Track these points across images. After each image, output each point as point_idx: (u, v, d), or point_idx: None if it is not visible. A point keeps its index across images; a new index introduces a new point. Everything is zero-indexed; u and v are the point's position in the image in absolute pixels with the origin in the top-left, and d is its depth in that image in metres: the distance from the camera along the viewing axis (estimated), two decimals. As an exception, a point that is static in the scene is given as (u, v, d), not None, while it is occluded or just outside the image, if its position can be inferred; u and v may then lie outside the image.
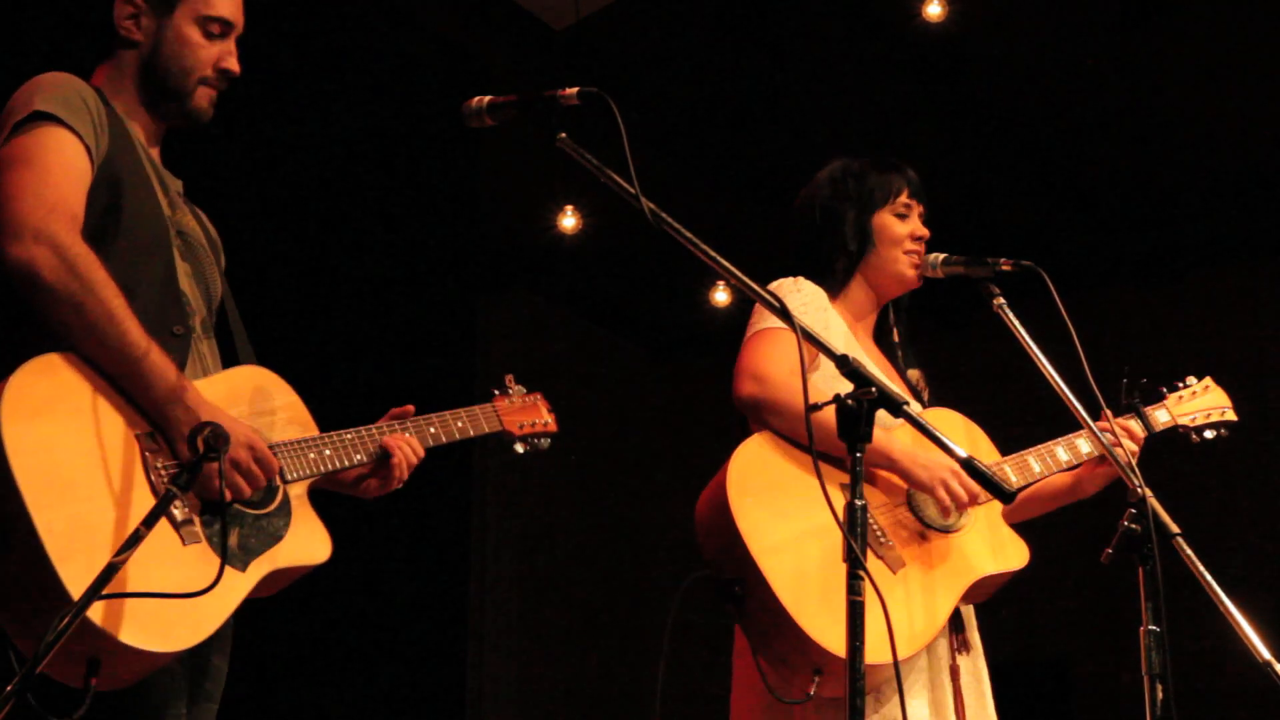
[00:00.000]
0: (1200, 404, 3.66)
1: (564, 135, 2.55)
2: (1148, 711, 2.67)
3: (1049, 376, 3.06)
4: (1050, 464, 3.38)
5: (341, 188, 7.06)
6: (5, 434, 2.30)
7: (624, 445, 10.71)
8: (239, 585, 2.50)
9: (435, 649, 8.27)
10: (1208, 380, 3.72)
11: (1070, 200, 8.72)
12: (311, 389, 2.85)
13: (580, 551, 10.25)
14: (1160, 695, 2.67)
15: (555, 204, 8.21)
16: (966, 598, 3.18)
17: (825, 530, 2.78)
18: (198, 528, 2.47)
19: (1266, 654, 2.80)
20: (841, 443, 2.38)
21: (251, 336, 2.89)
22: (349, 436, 2.78)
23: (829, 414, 2.39)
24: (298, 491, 2.67)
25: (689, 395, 10.53)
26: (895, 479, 3.17)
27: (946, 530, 3.17)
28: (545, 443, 3.25)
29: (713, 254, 2.45)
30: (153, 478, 2.44)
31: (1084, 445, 3.40)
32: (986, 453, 3.35)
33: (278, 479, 2.61)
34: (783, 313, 2.45)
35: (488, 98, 2.65)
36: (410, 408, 2.93)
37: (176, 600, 2.36)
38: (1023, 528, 3.34)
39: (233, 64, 2.84)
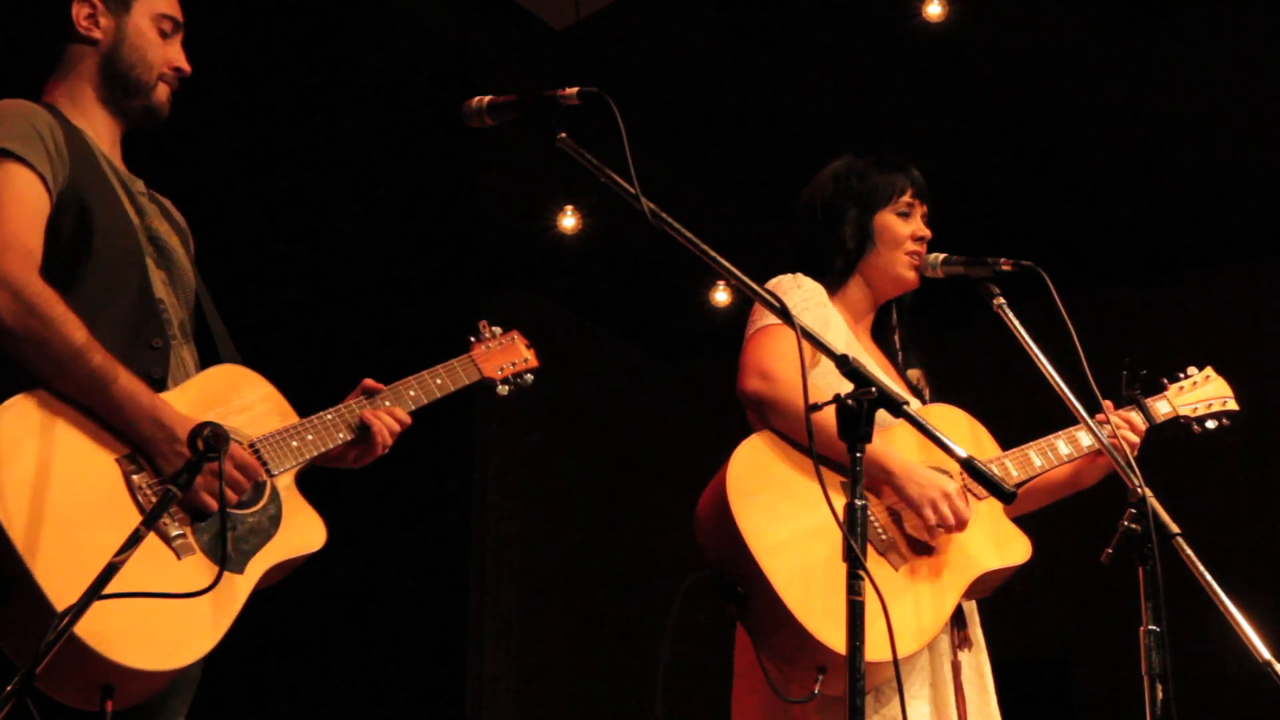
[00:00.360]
0: (1201, 394, 3.66)
1: (564, 135, 2.55)
2: (1148, 711, 2.67)
3: (1049, 376, 3.06)
4: (1051, 458, 3.39)
5: (341, 188, 7.06)
6: None
7: (624, 445, 10.70)
8: (240, 586, 2.51)
9: (435, 649, 8.26)
10: (1209, 370, 3.73)
11: (1070, 200, 8.72)
12: (311, 389, 2.86)
13: (580, 551, 10.24)
14: (1160, 695, 2.68)
15: (555, 204, 8.21)
16: (969, 593, 3.18)
17: (827, 529, 2.77)
18: (190, 540, 2.48)
19: (1266, 654, 2.80)
20: (842, 444, 2.38)
21: (252, 337, 2.90)
22: (329, 417, 2.78)
23: (830, 414, 2.39)
24: (285, 482, 2.68)
25: (689, 395, 10.52)
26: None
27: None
28: (529, 379, 3.23)
29: (713, 254, 2.45)
30: (139, 499, 2.45)
31: (1084, 438, 3.41)
32: (989, 448, 3.35)
33: (264, 474, 2.61)
34: (783, 313, 2.45)
35: (488, 98, 2.65)
36: (369, 381, 2.92)
37: (181, 615, 2.37)
38: (1023, 527, 3.34)
39: (185, 63, 2.86)
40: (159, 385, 2.62)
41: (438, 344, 3.22)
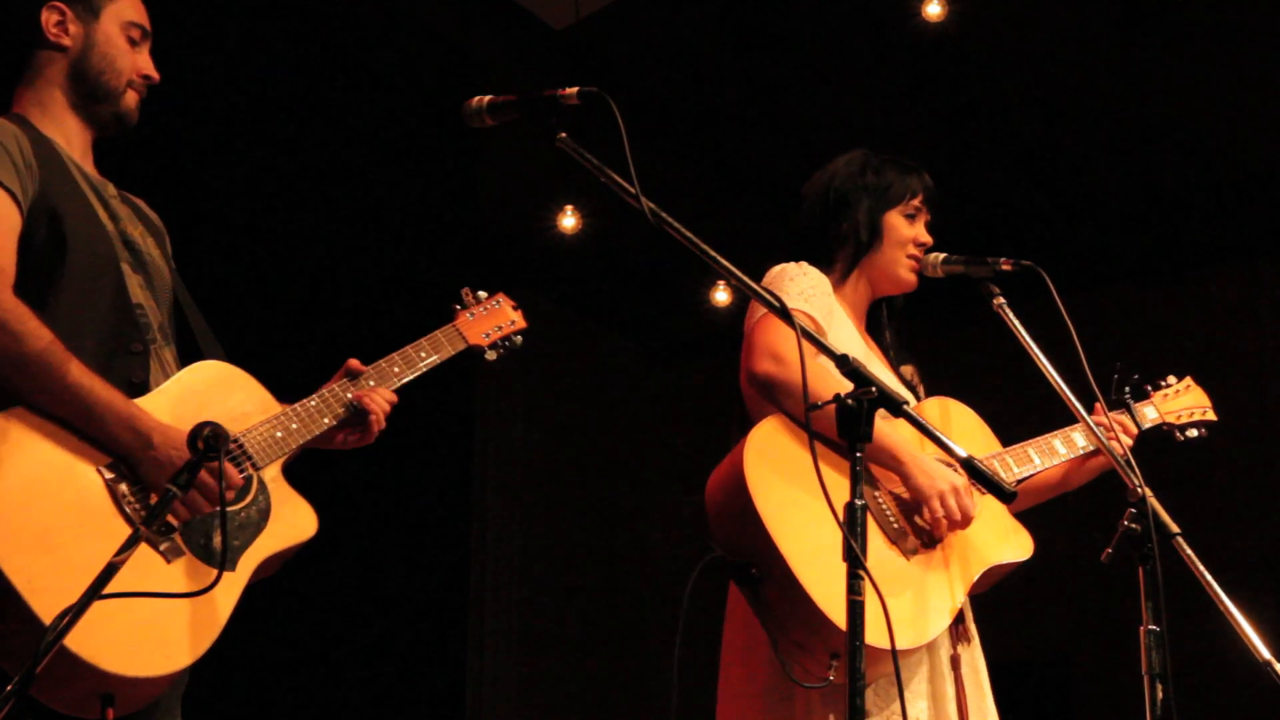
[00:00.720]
0: (1184, 403, 3.71)
1: (564, 135, 2.55)
2: (1148, 711, 2.67)
3: (1049, 376, 3.06)
4: (1049, 457, 3.40)
5: (341, 187, 7.06)
6: None
7: (624, 445, 10.70)
8: (233, 584, 2.50)
9: (435, 649, 8.27)
10: (1188, 380, 3.76)
11: (1070, 200, 8.72)
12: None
13: (580, 551, 10.24)
14: (1160, 695, 2.68)
15: (555, 204, 8.21)
16: (974, 587, 3.18)
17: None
18: (178, 542, 2.47)
19: (1266, 654, 2.81)
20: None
21: (250, 337, 2.90)
22: (313, 404, 2.76)
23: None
24: (272, 474, 2.66)
25: (688, 395, 10.52)
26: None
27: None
28: (518, 340, 3.14)
29: (713, 254, 2.45)
30: (125, 508, 2.44)
31: (1079, 439, 3.42)
32: (989, 443, 3.35)
33: (249, 468, 2.60)
34: (782, 312, 2.45)
35: (488, 98, 2.65)
36: (354, 361, 2.88)
37: (175, 618, 2.36)
38: (1022, 524, 3.35)
39: (153, 70, 2.87)
40: (140, 390, 2.61)
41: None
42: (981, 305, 3.24)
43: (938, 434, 2.49)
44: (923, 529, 3.11)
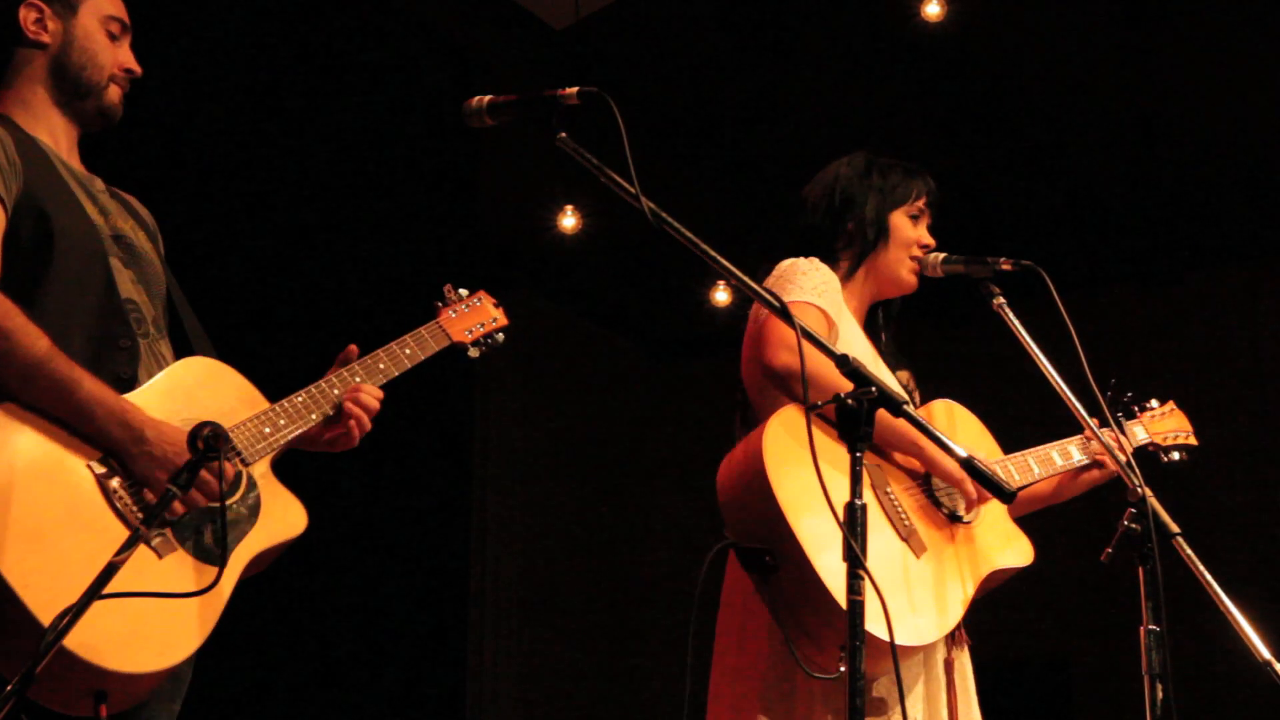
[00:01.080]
0: (1169, 425, 3.76)
1: (564, 135, 2.55)
2: (1148, 711, 2.67)
3: (1049, 376, 3.06)
4: (1046, 467, 3.41)
5: (341, 187, 7.06)
6: None
7: (624, 445, 10.71)
8: (224, 580, 2.49)
9: (435, 650, 8.27)
10: (1171, 404, 3.81)
11: (1070, 200, 8.72)
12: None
13: (580, 550, 10.25)
14: (1160, 695, 2.68)
15: (555, 204, 8.21)
16: (980, 588, 3.18)
17: None
18: (170, 537, 2.47)
19: (1266, 654, 2.81)
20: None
21: (250, 336, 2.89)
22: (300, 399, 2.74)
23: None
24: (261, 470, 2.65)
25: (688, 395, 10.53)
26: (914, 461, 3.16)
27: (960, 520, 3.17)
28: (500, 338, 3.12)
29: (713, 254, 2.45)
30: (115, 504, 2.43)
31: (1075, 452, 3.45)
32: (987, 450, 3.36)
33: (238, 464, 2.60)
34: (782, 313, 2.45)
35: (488, 97, 2.64)
36: (354, 348, 2.87)
37: (168, 614, 2.36)
38: (1022, 526, 3.35)
39: (135, 64, 2.85)
40: (128, 385, 2.59)
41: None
42: (981, 305, 3.24)
43: (937, 434, 2.49)
44: (931, 526, 3.12)
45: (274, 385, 2.80)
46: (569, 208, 8.19)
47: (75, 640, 2.24)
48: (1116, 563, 2.80)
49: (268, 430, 2.65)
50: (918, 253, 3.40)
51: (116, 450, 2.47)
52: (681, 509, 10.42)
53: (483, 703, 9.23)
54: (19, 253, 2.56)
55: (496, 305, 3.15)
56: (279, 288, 6.61)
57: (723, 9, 7.27)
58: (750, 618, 3.06)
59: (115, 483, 2.45)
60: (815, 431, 2.98)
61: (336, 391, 2.78)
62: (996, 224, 8.67)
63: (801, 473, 2.92)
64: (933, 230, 3.46)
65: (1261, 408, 8.50)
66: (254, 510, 2.60)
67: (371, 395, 2.81)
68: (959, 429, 3.34)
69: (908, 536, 3.05)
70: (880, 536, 3.00)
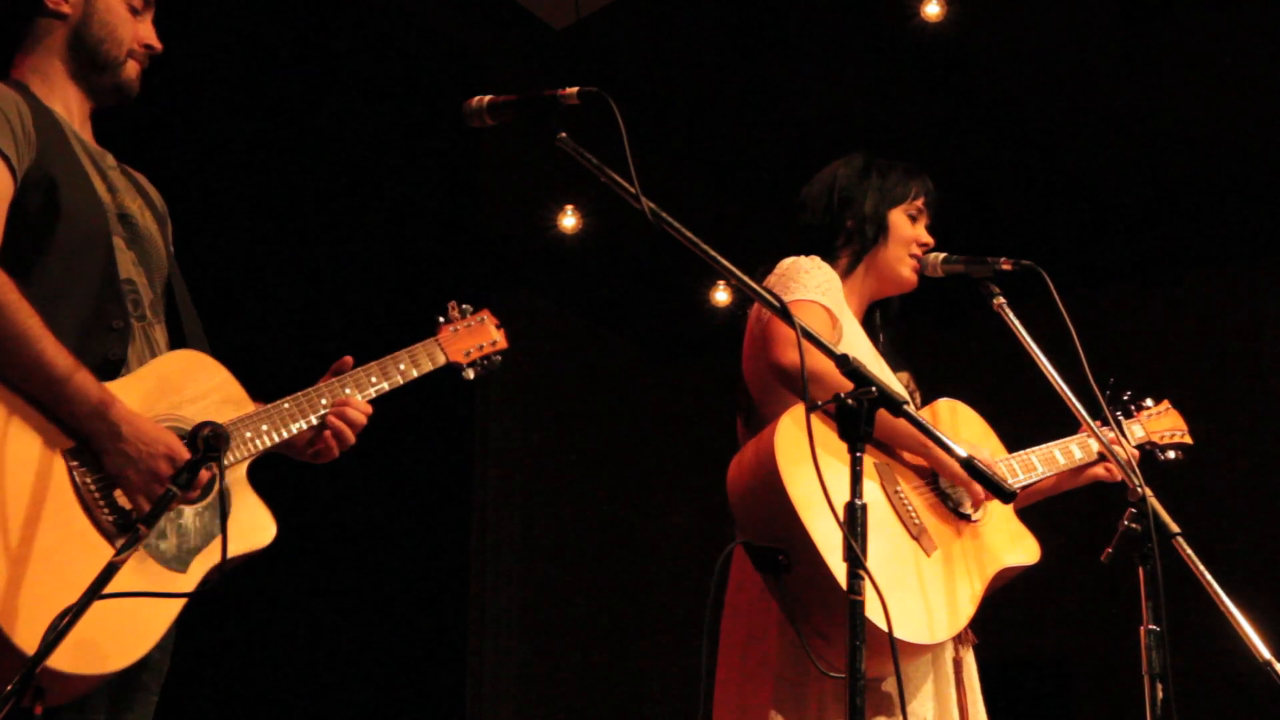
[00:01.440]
0: (1165, 424, 3.79)
1: (564, 135, 2.55)
2: (1148, 711, 2.67)
3: (1049, 376, 3.07)
4: (1049, 465, 3.42)
5: (341, 187, 7.06)
6: None
7: (624, 445, 10.70)
8: (182, 586, 2.46)
9: (435, 648, 8.27)
10: (1165, 403, 3.84)
11: (1070, 199, 8.72)
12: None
13: (580, 551, 10.24)
14: (1160, 695, 2.68)
15: (555, 204, 8.21)
16: (989, 587, 3.19)
17: (873, 504, 2.75)
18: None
19: (1266, 654, 2.81)
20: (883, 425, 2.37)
21: (249, 336, 2.87)
22: (286, 406, 2.70)
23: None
24: (237, 474, 2.60)
25: (688, 395, 10.52)
26: (922, 460, 3.16)
27: (967, 518, 3.18)
28: (497, 360, 3.06)
29: (713, 254, 2.45)
30: (84, 496, 2.40)
31: (1076, 450, 3.46)
32: (991, 449, 3.36)
33: (214, 467, 2.56)
34: (782, 313, 2.45)
35: (488, 97, 2.65)
36: (349, 359, 2.84)
37: (117, 618, 2.32)
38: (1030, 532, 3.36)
39: (155, 40, 2.83)
40: (115, 367, 2.56)
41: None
42: (981, 305, 3.25)
43: (937, 433, 2.50)
44: (940, 525, 3.12)
45: (271, 384, 2.78)
46: (569, 208, 8.19)
47: (21, 635, 2.22)
48: (1117, 563, 2.80)
49: (248, 434, 2.61)
50: (916, 251, 3.41)
51: (91, 442, 2.44)
52: (682, 509, 10.42)
53: (482, 703, 9.22)
54: (24, 223, 2.53)
55: (499, 327, 3.09)
56: (278, 286, 6.61)
57: (723, 9, 7.26)
58: (757, 618, 3.06)
59: (87, 478, 2.42)
60: (825, 431, 2.99)
61: (324, 401, 2.74)
62: (996, 224, 8.67)
63: (812, 470, 2.92)
64: (932, 230, 3.47)
65: (1261, 408, 8.50)
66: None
67: (358, 410, 2.76)
68: (962, 428, 3.35)
69: (918, 535, 3.06)
70: (892, 535, 3.00)
